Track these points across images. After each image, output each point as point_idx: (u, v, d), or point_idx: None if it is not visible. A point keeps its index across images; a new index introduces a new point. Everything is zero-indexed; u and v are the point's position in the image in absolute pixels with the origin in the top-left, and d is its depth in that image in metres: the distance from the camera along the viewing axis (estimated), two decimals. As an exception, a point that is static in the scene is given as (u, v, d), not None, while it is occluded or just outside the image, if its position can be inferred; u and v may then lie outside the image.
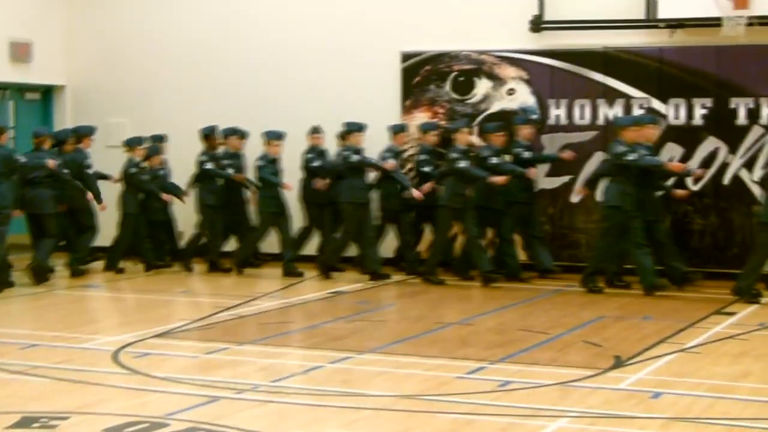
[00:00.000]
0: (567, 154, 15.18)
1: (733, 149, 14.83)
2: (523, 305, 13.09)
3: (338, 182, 15.22)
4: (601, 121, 15.47)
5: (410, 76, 16.36)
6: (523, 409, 8.05)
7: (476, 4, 16.17)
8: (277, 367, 9.36)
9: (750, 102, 14.96)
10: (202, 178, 15.87)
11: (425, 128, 15.70)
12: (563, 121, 15.63)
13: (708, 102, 15.13)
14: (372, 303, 13.23)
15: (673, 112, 15.27)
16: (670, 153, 15.05)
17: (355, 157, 14.89)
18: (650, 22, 15.25)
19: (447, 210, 14.54)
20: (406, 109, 16.35)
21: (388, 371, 9.35)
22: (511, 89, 15.93)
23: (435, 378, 9.02)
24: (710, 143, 15.08)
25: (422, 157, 15.59)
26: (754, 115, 14.93)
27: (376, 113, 16.01)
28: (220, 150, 16.11)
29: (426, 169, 15.45)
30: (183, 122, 16.88)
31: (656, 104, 15.31)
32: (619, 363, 9.63)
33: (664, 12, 15.07)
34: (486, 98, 16.07)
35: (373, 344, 10.52)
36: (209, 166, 15.77)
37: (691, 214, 15.07)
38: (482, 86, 16.08)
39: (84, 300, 13.82)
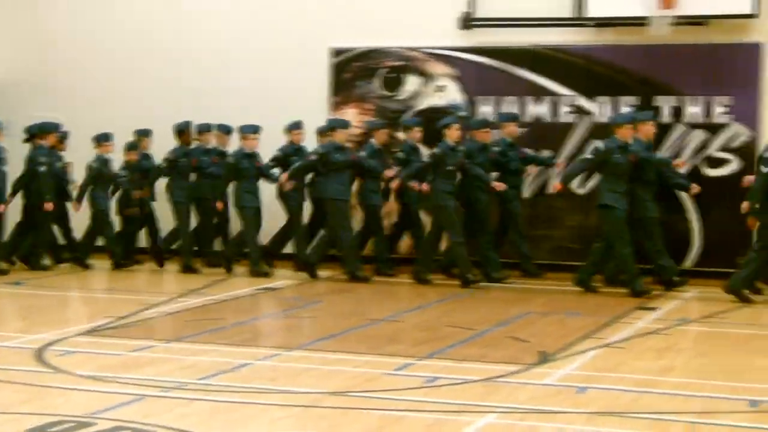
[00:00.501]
0: (559, 164, 15.17)
1: (656, 147, 14.99)
2: (449, 302, 13.15)
3: (318, 179, 15.00)
4: (528, 118, 15.58)
5: (340, 73, 16.37)
6: (451, 405, 8.06)
7: (406, 0, 16.20)
8: (204, 365, 9.30)
9: (674, 100, 15.15)
10: (172, 174, 15.68)
11: (407, 123, 15.43)
12: (491, 118, 15.70)
13: (633, 100, 15.31)
14: (300, 300, 13.20)
15: (600, 109, 15.42)
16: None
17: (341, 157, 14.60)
18: (578, 20, 15.41)
19: (438, 209, 14.32)
20: (336, 106, 16.35)
21: (316, 368, 9.34)
22: (440, 86, 16.00)
23: (363, 374, 9.01)
24: (636, 141, 15.23)
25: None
26: (677, 113, 15.12)
27: (305, 110, 16.00)
28: (194, 145, 15.93)
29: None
30: (116, 118, 16.71)
31: (583, 102, 15.46)
32: (545, 358, 9.70)
33: (592, 11, 15.26)
34: (415, 95, 16.14)
35: (301, 341, 10.50)
36: (183, 160, 15.62)
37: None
38: (411, 83, 16.14)
39: (8, 297, 13.64)
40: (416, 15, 16.15)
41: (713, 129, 14.94)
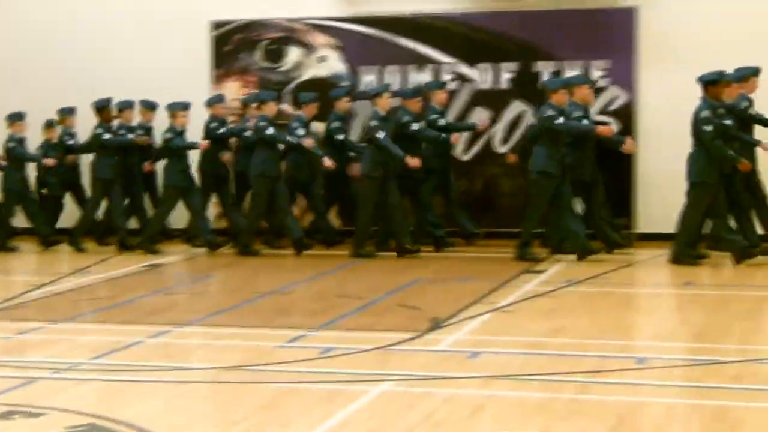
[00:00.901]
0: (482, 123, 15.03)
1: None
2: (339, 271, 13.20)
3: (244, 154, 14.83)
4: (412, 86, 15.62)
5: (221, 45, 16.25)
6: (346, 374, 8.12)
7: (286, -29, 16.16)
8: (95, 344, 9.21)
9: (552, 66, 15.36)
10: (97, 150, 15.32)
11: (335, 95, 15.16)
12: (382, 87, 15.71)
13: (513, 66, 15.48)
14: (189, 275, 13.15)
15: (481, 76, 15.57)
16: (478, 116, 15.34)
17: (270, 131, 14.29)
18: (458, -13, 15.51)
19: (369, 180, 14.02)
20: (217, 79, 16.23)
21: (209, 343, 9.33)
22: (323, 56, 15.99)
23: (256, 348, 9.02)
24: (516, 107, 15.44)
25: (335, 124, 14.94)
26: (557, 76, 15.30)
27: (186, 83, 15.88)
28: (115, 123, 15.54)
29: (340, 136, 14.94)
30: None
31: (464, 69, 15.58)
32: (436, 325, 9.80)
33: (470, -22, 15.35)
34: (297, 66, 16.10)
35: (192, 317, 10.43)
36: (107, 136, 15.23)
37: (501, 175, 15.39)
38: (293, 54, 16.09)
39: None
40: (296, -14, 16.11)
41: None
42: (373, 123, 13.94)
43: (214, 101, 15.23)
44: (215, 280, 13.12)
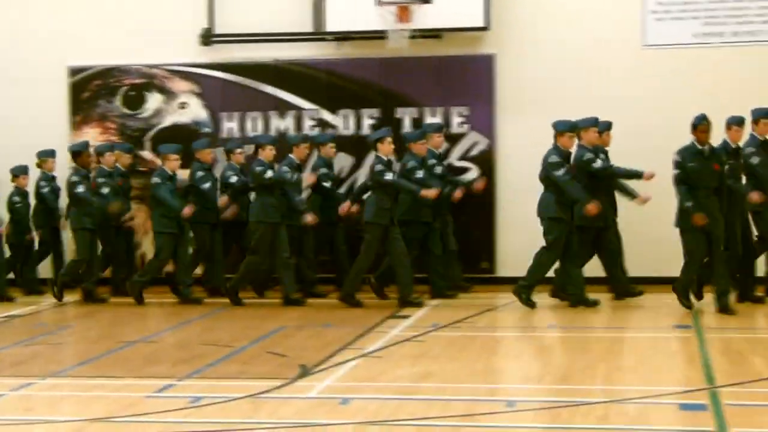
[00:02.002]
0: (479, 184, 14.51)
1: (400, 158, 15.27)
2: (204, 319, 13.08)
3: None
4: (273, 132, 15.65)
5: (79, 92, 16.05)
6: (217, 424, 8.02)
7: (145, 17, 16.05)
8: (-45, 398, 8.95)
9: (414, 112, 15.54)
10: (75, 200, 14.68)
11: (320, 140, 14.85)
12: (236, 133, 15.76)
13: (375, 112, 15.62)
14: (49, 325, 12.87)
15: (343, 122, 15.66)
16: (341, 163, 15.42)
17: (269, 174, 13.87)
18: (318, 34, 15.59)
19: (375, 227, 13.52)
20: (76, 126, 16.02)
21: (74, 395, 9.12)
22: (183, 103, 15.92)
23: (124, 399, 8.87)
24: (379, 152, 15.54)
25: (229, 173, 14.58)
26: (418, 124, 15.49)
27: (44, 130, 15.65)
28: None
29: (233, 180, 14.48)
30: None
31: (326, 115, 15.66)
32: (305, 372, 9.77)
33: (331, 25, 15.43)
34: (158, 112, 15.99)
35: (55, 368, 10.21)
36: (81, 189, 14.51)
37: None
38: (154, 100, 15.98)
39: None
40: (156, 32, 15.97)
41: (452, 139, 15.36)
42: (378, 167, 13.54)
43: (78, 148, 14.91)
44: (76, 329, 12.86)
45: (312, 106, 15.71)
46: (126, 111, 16.03)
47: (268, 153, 13.96)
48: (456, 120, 15.47)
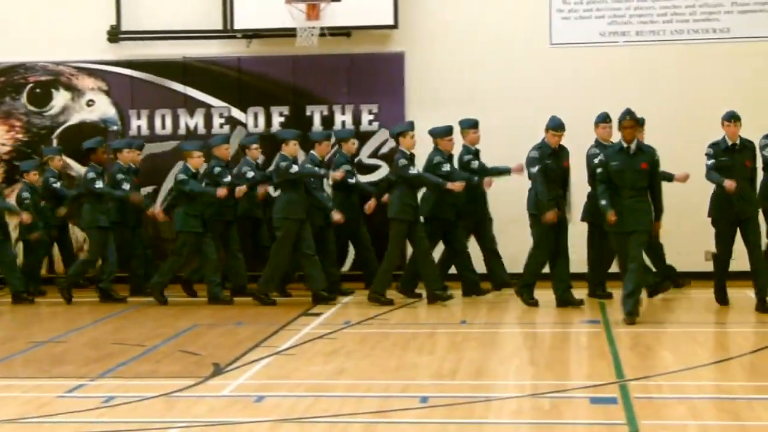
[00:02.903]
0: (516, 168, 13.62)
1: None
2: (115, 318, 12.97)
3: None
4: (182, 130, 15.58)
5: (-17, 89, 15.83)
6: (131, 423, 7.98)
7: (51, 14, 15.85)
8: None
9: (325, 109, 15.55)
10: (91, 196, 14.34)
11: (246, 142, 14.60)
12: (144, 131, 15.65)
13: (285, 110, 15.59)
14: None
15: (253, 120, 15.62)
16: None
17: (294, 169, 13.52)
18: (227, 32, 15.52)
19: (400, 222, 13.35)
20: (-19, 123, 15.80)
21: (-17, 396, 9.02)
22: (91, 100, 15.76)
23: (35, 399, 8.77)
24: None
25: (245, 168, 14.26)
26: (328, 121, 15.52)
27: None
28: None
29: (250, 175, 14.15)
30: None
31: (236, 113, 15.61)
32: (218, 370, 9.75)
33: (240, 23, 15.39)
34: (65, 110, 15.81)
35: (-37, 369, 10.09)
36: (99, 184, 14.16)
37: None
38: (60, 98, 15.79)
39: None
40: (63, 29, 15.77)
41: (362, 137, 15.39)
42: (402, 162, 13.36)
43: (93, 145, 14.43)
44: (-17, 330, 12.69)
45: (221, 104, 15.64)
46: (32, 108, 15.81)
47: (291, 148, 13.71)
48: (366, 118, 15.51)
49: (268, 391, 8.89)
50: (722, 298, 12.63)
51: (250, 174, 14.15)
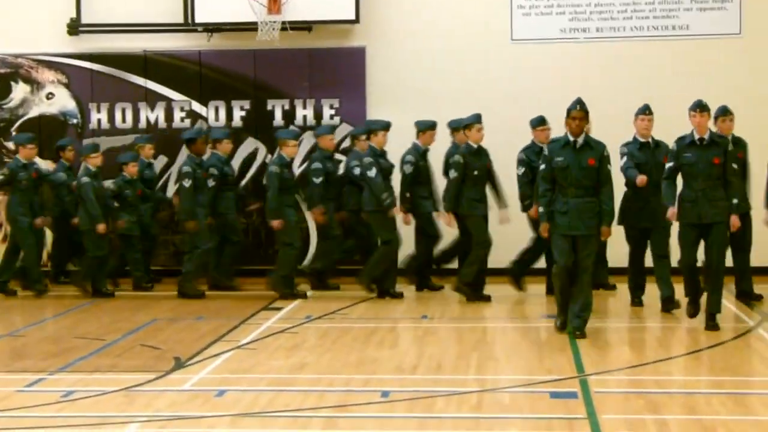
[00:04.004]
0: None
1: (271, 150, 15.27)
2: (75, 312, 12.90)
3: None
4: (142, 124, 15.52)
5: (-60, 81, 15.70)
6: (91, 418, 7.95)
7: (10, 5, 15.76)
8: None
9: (286, 103, 15.54)
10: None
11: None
12: (105, 125, 15.59)
13: (246, 104, 15.57)
14: None
15: (214, 114, 15.58)
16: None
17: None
18: (188, 26, 15.48)
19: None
20: (-61, 116, 15.68)
21: (-59, 391, 8.95)
22: (50, 93, 15.67)
23: (-7, 394, 8.73)
24: (250, 144, 15.53)
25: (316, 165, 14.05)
26: (289, 115, 15.51)
27: None
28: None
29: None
30: None
31: (197, 107, 15.57)
32: (179, 364, 9.73)
33: (201, 16, 15.35)
34: (24, 103, 15.71)
35: None
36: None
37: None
38: (19, 90, 15.69)
39: None
40: (22, 21, 15.69)
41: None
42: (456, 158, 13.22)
43: (193, 135, 14.28)
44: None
45: (182, 98, 15.59)
46: (-9, 101, 15.75)
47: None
48: (327, 112, 15.51)
49: (229, 386, 8.88)
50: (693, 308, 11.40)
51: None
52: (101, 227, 13.77)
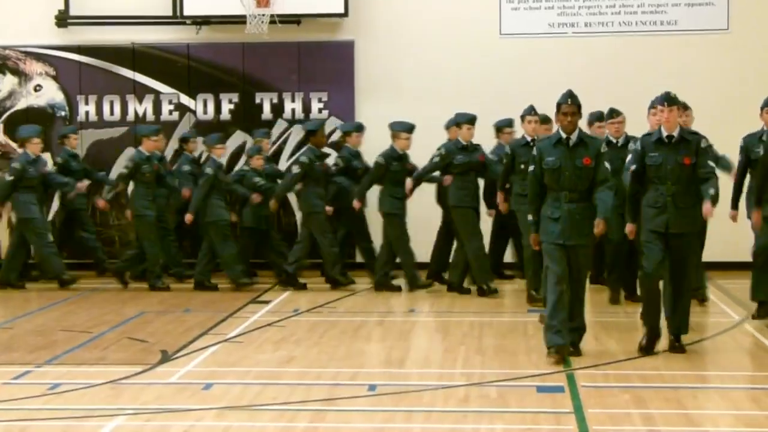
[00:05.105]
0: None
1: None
2: (62, 305, 12.89)
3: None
4: (131, 116, 15.50)
5: (-72, 72, 15.65)
6: (78, 410, 7.95)
7: (-1, -2, 15.73)
8: None
9: (274, 97, 15.53)
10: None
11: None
12: (93, 117, 15.56)
13: (235, 97, 15.56)
14: None
15: (202, 107, 15.57)
16: (200, 148, 15.30)
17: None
18: (177, 18, 15.46)
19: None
20: (-74, 108, 15.63)
21: (-72, 383, 8.94)
22: (38, 85, 15.65)
23: (-19, 386, 8.73)
24: (238, 137, 15.52)
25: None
26: (278, 109, 15.50)
27: None
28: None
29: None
30: None
31: (185, 99, 15.55)
32: (166, 357, 9.74)
33: (190, 9, 15.36)
34: (11, 95, 15.69)
35: None
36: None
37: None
38: (7, 82, 15.68)
39: None
40: (10, 12, 15.67)
41: (312, 125, 15.36)
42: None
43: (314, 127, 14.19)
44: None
45: (170, 90, 15.57)
46: (-22, 93, 15.71)
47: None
48: (315, 105, 15.51)
49: (216, 379, 8.89)
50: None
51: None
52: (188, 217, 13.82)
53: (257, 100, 15.55)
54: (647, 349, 9.69)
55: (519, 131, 13.32)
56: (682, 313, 9.73)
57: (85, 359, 9.75)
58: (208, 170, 13.79)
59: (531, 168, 9.65)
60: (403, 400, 8.21)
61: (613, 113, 12.30)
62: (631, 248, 11.54)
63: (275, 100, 15.54)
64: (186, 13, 15.38)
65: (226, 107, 15.55)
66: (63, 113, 15.53)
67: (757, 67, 15.04)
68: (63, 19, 15.60)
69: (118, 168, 14.90)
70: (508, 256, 14.38)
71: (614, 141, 12.17)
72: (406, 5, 15.57)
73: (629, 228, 9.77)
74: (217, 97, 15.57)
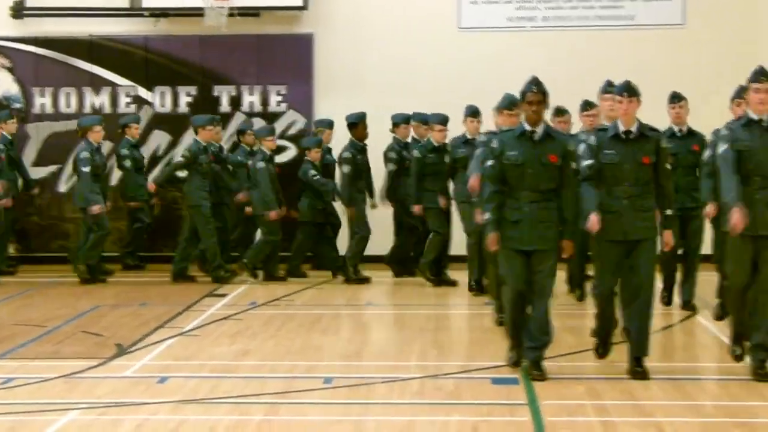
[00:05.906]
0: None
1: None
2: (16, 299, 12.81)
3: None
4: (87, 109, 15.42)
5: None
6: (30, 405, 7.90)
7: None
8: None
9: (232, 90, 15.49)
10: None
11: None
12: (49, 109, 15.47)
13: (193, 90, 15.51)
14: None
15: (159, 99, 15.50)
16: (158, 141, 15.29)
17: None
18: (134, 10, 15.38)
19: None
20: None
21: None
22: (-7, 77, 15.54)
23: (-69, 381, 8.65)
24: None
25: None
26: (236, 102, 15.46)
27: None
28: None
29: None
30: None
31: (142, 92, 15.48)
32: (121, 351, 9.69)
33: (148, 1, 15.34)
34: (-34, 87, 15.57)
35: None
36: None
37: (180, 199, 15.27)
38: (-38, 74, 15.56)
39: None
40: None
41: (271, 117, 15.35)
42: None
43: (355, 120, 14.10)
44: None
45: (128, 83, 15.49)
46: (-67, 85, 15.57)
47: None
48: (274, 99, 15.48)
49: (171, 372, 8.86)
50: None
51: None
52: (272, 214, 13.68)
53: (215, 93, 15.50)
54: (602, 355, 9.06)
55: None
56: (642, 332, 8.61)
57: (39, 353, 9.69)
58: (260, 164, 13.70)
59: (489, 163, 8.71)
60: (358, 392, 8.22)
61: (588, 105, 11.85)
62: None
63: (233, 93, 15.49)
64: (144, 5, 15.32)
65: (184, 100, 15.49)
66: (18, 105, 15.41)
67: (712, 62, 15.13)
68: (19, 11, 15.48)
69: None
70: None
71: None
72: (366, -1, 15.58)
73: (591, 221, 8.41)
74: (174, 90, 15.51)
